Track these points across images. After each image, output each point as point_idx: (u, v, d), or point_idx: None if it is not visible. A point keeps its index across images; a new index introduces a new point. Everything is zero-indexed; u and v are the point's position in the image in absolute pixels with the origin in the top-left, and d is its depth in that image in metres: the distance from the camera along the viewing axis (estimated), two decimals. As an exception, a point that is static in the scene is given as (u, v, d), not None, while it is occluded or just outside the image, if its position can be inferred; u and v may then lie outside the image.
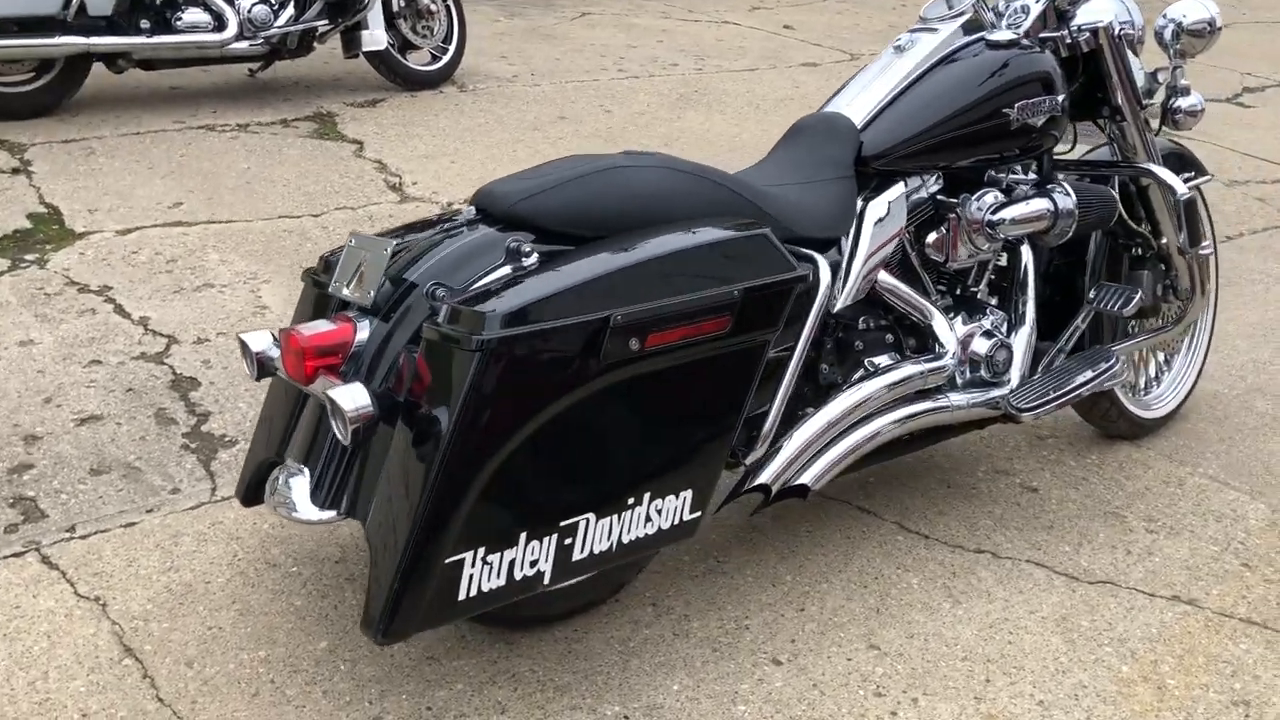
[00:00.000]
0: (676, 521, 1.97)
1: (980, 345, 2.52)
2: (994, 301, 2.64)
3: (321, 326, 1.93)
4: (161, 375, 3.05)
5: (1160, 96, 2.78)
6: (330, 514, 1.92)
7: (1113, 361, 2.64)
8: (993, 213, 2.46)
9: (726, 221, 2.00)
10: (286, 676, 2.08)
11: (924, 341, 2.48)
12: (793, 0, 8.92)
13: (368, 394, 1.81)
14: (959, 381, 2.53)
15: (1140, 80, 2.70)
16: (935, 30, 2.56)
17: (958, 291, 2.62)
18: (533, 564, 1.82)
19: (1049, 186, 2.52)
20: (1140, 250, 2.89)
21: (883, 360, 2.43)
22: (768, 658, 2.20)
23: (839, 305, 2.32)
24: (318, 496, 1.93)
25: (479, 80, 6.04)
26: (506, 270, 1.88)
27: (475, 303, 1.76)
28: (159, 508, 2.53)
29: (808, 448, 2.22)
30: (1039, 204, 2.50)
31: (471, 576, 1.76)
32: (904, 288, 2.44)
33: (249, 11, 5.09)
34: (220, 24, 5.06)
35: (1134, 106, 2.68)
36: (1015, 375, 2.58)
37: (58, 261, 3.65)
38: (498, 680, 2.09)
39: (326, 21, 5.30)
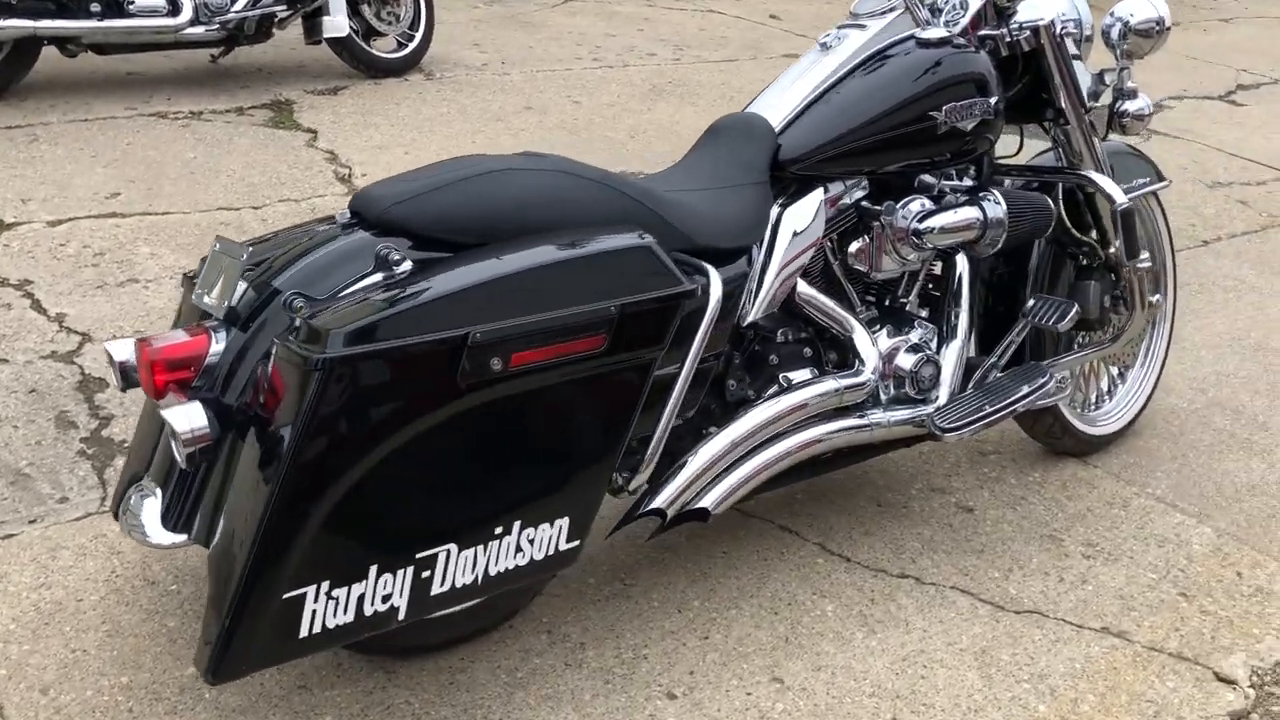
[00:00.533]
0: (551, 551, 1.85)
1: (905, 360, 2.39)
2: (924, 314, 2.51)
3: (175, 337, 1.81)
4: (69, 376, 2.94)
5: (1107, 99, 2.64)
6: (181, 538, 1.80)
7: (1045, 379, 2.51)
8: (919, 221, 2.33)
9: (611, 231, 1.87)
10: (147, 705, 1.96)
11: (845, 356, 2.36)
12: (782, -11, 8.77)
13: (205, 414, 1.69)
14: (883, 398, 2.40)
15: (1086, 82, 2.56)
16: (864, 27, 2.42)
17: (886, 303, 2.49)
18: (385, 599, 1.70)
19: (981, 194, 2.39)
20: (1086, 260, 2.76)
21: (799, 375, 2.31)
22: (662, 691, 2.09)
23: (750, 318, 2.19)
24: (169, 519, 1.81)
25: (447, 68, 5.90)
26: (376, 279, 1.76)
27: (323, 317, 1.63)
28: (43, 518, 2.42)
29: (709, 469, 2.10)
30: (968, 212, 2.36)
31: (314, 612, 1.64)
32: (823, 299, 2.32)
33: (204, -4, 4.96)
34: (175, 8, 4.93)
35: (1078, 109, 2.54)
36: (944, 392, 2.45)
37: (-19, 253, 3.54)
38: (370, 713, 1.98)
39: (285, 7, 5.17)
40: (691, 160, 2.32)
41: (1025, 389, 2.47)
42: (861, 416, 2.33)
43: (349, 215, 1.94)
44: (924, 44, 2.35)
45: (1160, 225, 3.03)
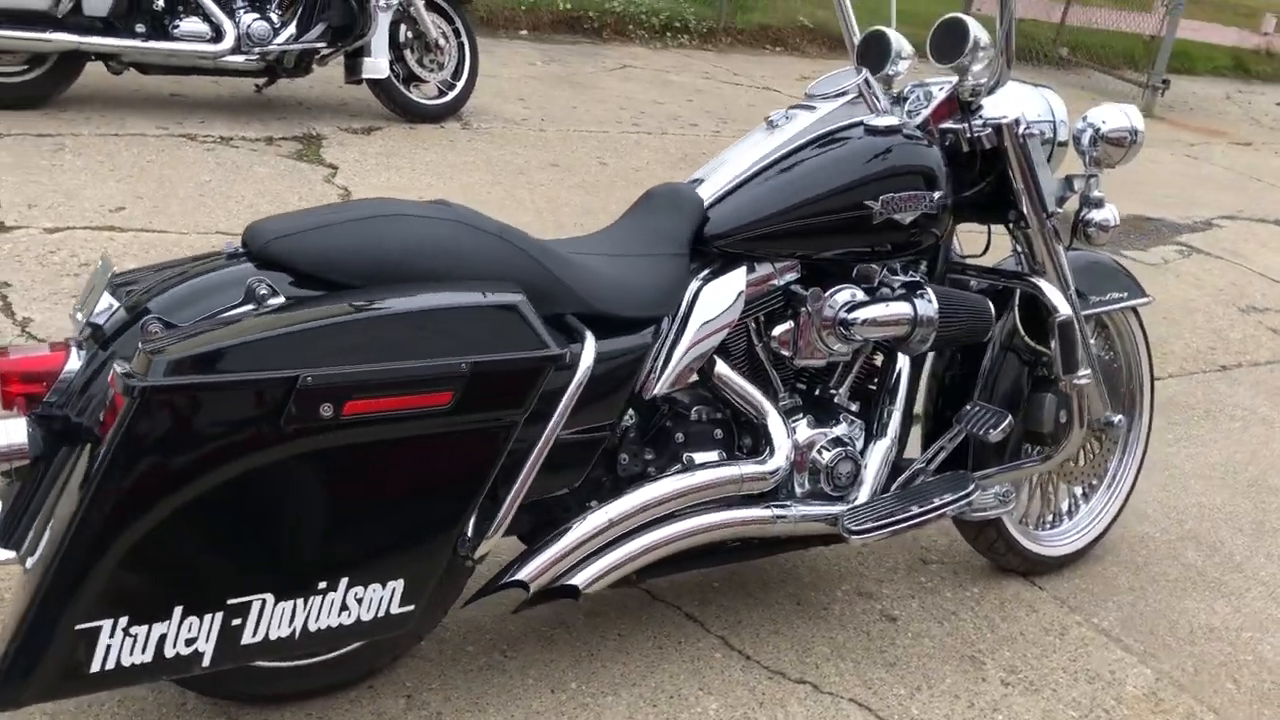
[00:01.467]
0: (382, 614, 1.77)
1: (823, 454, 2.29)
2: (854, 408, 2.41)
3: (32, 350, 1.79)
4: (15, 380, 2.95)
5: (1074, 205, 2.54)
6: (10, 554, 1.76)
7: (968, 490, 2.38)
8: (847, 311, 2.24)
9: (484, 287, 1.81)
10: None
11: (758, 442, 2.26)
12: (847, 73, 8.75)
13: (26, 431, 1.65)
14: (797, 490, 2.30)
15: (1051, 186, 2.46)
16: (814, 109, 2.35)
17: (815, 392, 2.39)
18: (189, 642, 1.64)
19: (916, 290, 2.29)
20: (1046, 371, 2.63)
21: (705, 456, 2.22)
22: (509, 773, 1.99)
23: (655, 391, 2.12)
24: (6, 535, 1.77)
25: (485, 119, 5.95)
26: (240, 311, 1.72)
27: (157, 343, 1.59)
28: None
29: (582, 545, 2.01)
30: (899, 307, 2.27)
31: (109, 647, 1.58)
32: (740, 381, 2.23)
33: (248, 26, 5.07)
34: (218, 35, 5.04)
35: (1039, 214, 2.43)
36: (865, 491, 2.34)
37: (-30, 252, 3.59)
38: (197, 758, 1.91)
39: (327, 44, 5.26)
40: (617, 226, 2.27)
41: (947, 498, 2.35)
42: (768, 508, 2.23)
43: (239, 246, 1.91)
44: (871, 130, 2.27)
45: (1138, 344, 2.90)
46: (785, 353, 2.28)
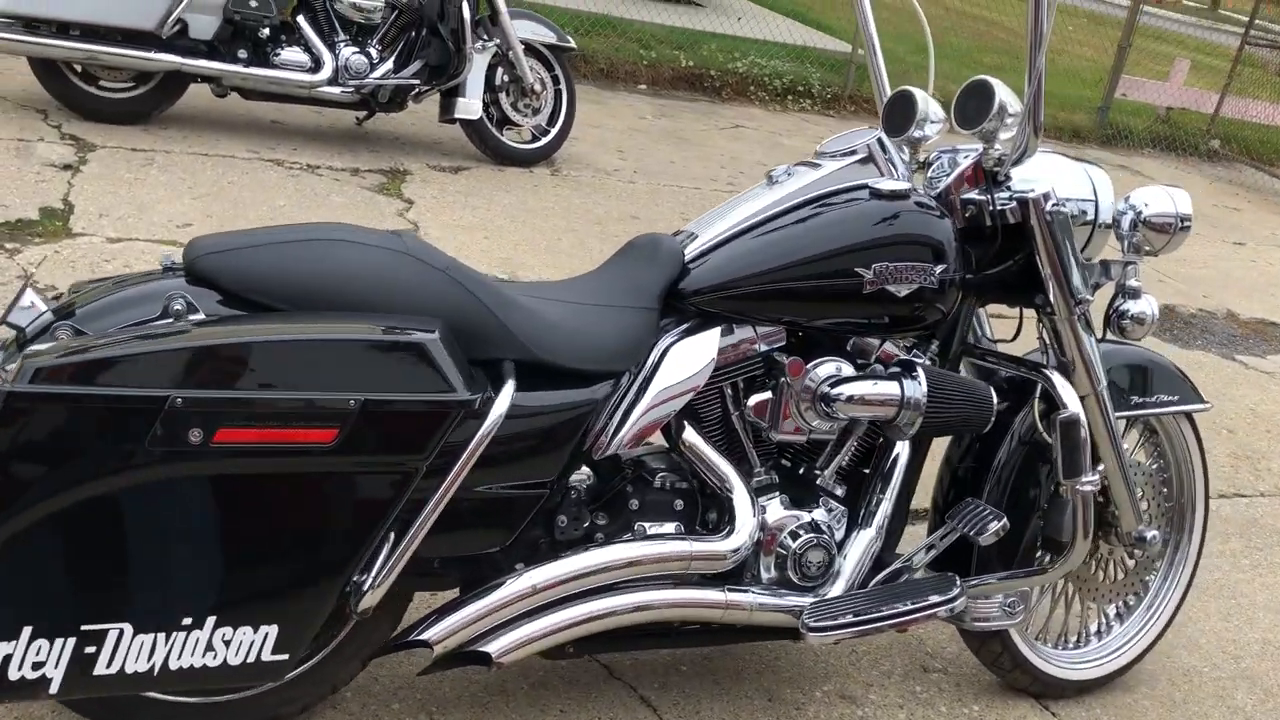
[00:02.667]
0: (252, 660, 1.65)
1: (792, 539, 2.10)
2: (840, 492, 2.21)
3: (-48, 350, 1.75)
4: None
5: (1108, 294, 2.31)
6: None
7: (950, 596, 2.15)
8: (830, 386, 2.06)
9: (400, 322, 1.70)
10: None
11: (722, 519, 2.09)
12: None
13: None
14: (763, 576, 2.12)
15: (1083, 270, 2.23)
16: (819, 166, 2.19)
17: (800, 471, 2.21)
18: (36, 666, 1.55)
19: (909, 370, 2.09)
20: (1068, 473, 2.39)
21: (660, 528, 2.06)
22: None
23: (607, 451, 1.97)
24: None
25: (576, 167, 5.92)
26: (156, 325, 1.66)
27: (40, 350, 1.53)
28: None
29: (498, 610, 1.87)
30: (886, 387, 2.07)
31: (-54, 663, 1.51)
32: (707, 450, 2.07)
33: (347, 59, 5.16)
34: (316, 66, 5.14)
35: (1068, 299, 2.21)
36: (839, 585, 2.14)
37: (29, 256, 3.68)
38: (72, 789, 1.82)
39: (421, 82, 5.31)
40: (593, 274, 2.14)
41: (923, 602, 2.12)
42: (723, 591, 2.05)
43: (176, 260, 1.85)
44: (876, 194, 2.10)
45: (1191, 455, 2.62)
46: (759, 422, 2.11)
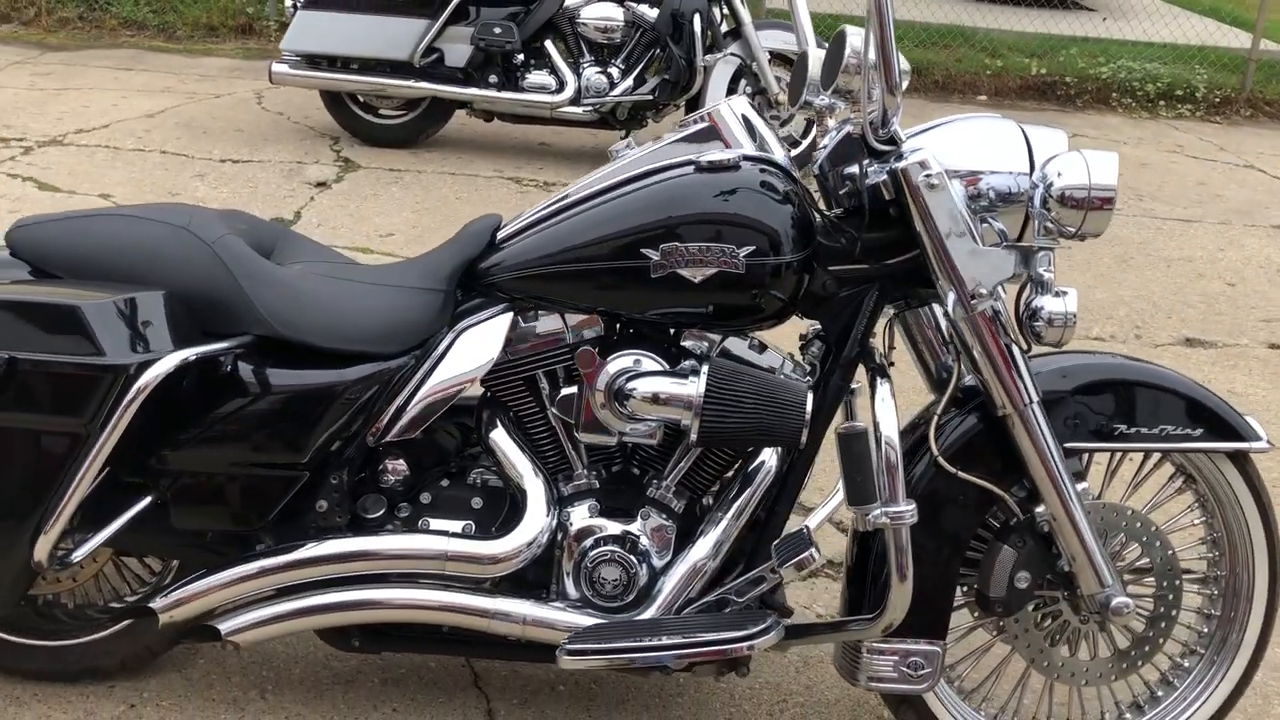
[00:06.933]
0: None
1: (592, 551, 1.89)
2: (678, 504, 1.95)
3: None
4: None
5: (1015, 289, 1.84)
6: None
7: (749, 633, 1.81)
8: (627, 380, 1.83)
9: (114, 289, 1.77)
10: None
11: (515, 521, 1.92)
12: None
13: None
14: (569, 591, 1.92)
15: (981, 258, 1.79)
16: (660, 140, 1.96)
17: (637, 475, 1.98)
18: None
19: (706, 365, 1.81)
20: (1003, 518, 1.93)
21: (446, 524, 1.94)
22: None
23: (377, 439, 1.90)
24: None
25: (832, 180, 5.65)
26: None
27: None
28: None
29: (226, 588, 1.87)
30: (681, 387, 1.80)
31: None
32: (507, 445, 1.93)
33: (588, 79, 5.32)
34: (560, 87, 5.35)
35: (961, 294, 1.79)
36: (654, 606, 1.89)
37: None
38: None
39: (658, 96, 5.35)
40: (420, 256, 2.07)
41: (707, 637, 1.81)
42: (493, 599, 1.89)
43: None
44: (701, 168, 1.84)
45: (1242, 509, 2.01)
46: (564, 418, 1.92)
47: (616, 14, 5.35)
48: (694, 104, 5.39)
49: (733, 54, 5.35)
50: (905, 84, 1.86)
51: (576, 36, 5.42)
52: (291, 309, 1.86)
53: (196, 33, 7.72)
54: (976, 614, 1.99)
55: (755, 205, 1.81)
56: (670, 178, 1.85)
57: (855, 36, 1.82)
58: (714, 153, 1.84)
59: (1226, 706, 2.06)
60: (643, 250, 1.80)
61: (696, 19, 5.20)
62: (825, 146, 1.97)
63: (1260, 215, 5.63)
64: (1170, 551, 2.00)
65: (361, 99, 5.53)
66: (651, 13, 5.29)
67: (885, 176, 1.81)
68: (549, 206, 1.93)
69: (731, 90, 5.43)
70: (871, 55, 1.78)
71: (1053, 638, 2.00)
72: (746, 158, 1.85)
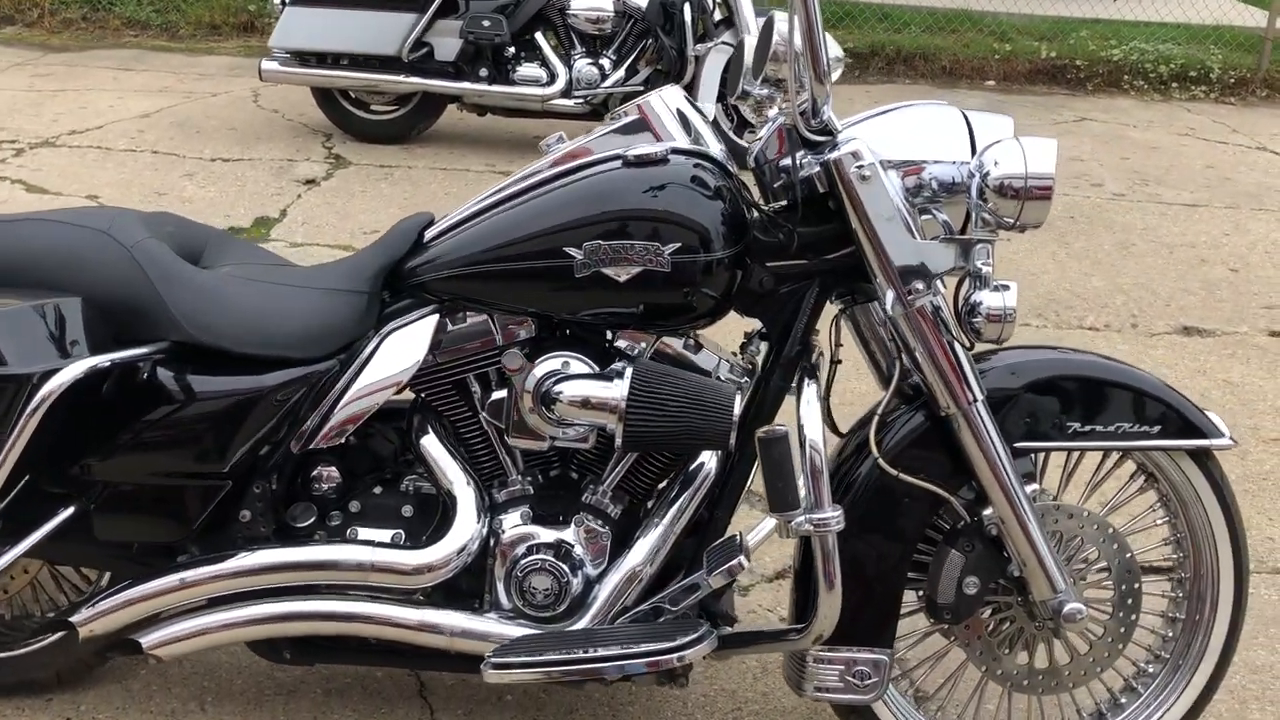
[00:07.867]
0: None
1: (520, 559, 1.84)
2: (615, 510, 1.89)
3: None
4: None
5: (954, 283, 1.76)
6: None
7: (679, 644, 1.74)
8: (555, 383, 1.77)
9: (29, 295, 1.74)
10: None
11: (443, 529, 1.87)
12: None
13: None
14: (502, 602, 1.86)
15: (918, 251, 1.72)
16: (590, 133, 1.90)
17: (577, 480, 1.92)
18: None
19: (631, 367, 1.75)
20: (951, 521, 1.86)
21: (373, 533, 1.89)
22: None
23: (301, 446, 1.86)
24: None
25: (829, 169, 5.56)
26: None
27: None
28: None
29: (144, 600, 1.83)
30: (607, 390, 1.74)
31: None
32: (437, 451, 1.88)
33: (579, 71, 5.26)
34: (551, 79, 5.29)
35: (897, 287, 1.73)
36: (588, 618, 1.83)
37: (214, 258, 4.13)
38: None
39: (648, 88, 5.27)
40: (353, 254, 2.02)
41: (633, 649, 1.74)
42: (420, 610, 1.84)
43: None
44: (626, 162, 1.78)
45: (1204, 507, 1.93)
46: (495, 423, 1.87)
47: (607, 4, 5.28)
48: (687, 94, 5.31)
49: (724, 43, 5.26)
50: (838, 72, 1.80)
51: (567, 28, 5.35)
52: (208, 313, 1.82)
53: (199, 31, 7.71)
54: (930, 620, 1.92)
55: (683, 201, 1.74)
56: (596, 173, 1.79)
57: (783, 22, 1.75)
58: (642, 146, 1.78)
59: (1194, 711, 1.98)
60: (566, 249, 1.74)
61: (687, 8, 5.14)
62: (760, 138, 1.90)
63: (1269, 199, 5.49)
64: (1129, 555, 1.92)
65: (353, 95, 5.49)
66: (642, 2, 5.22)
67: (819, 169, 1.74)
68: (478, 204, 1.88)
69: (724, 81, 5.35)
70: (798, 42, 1.71)
71: (1009, 643, 1.92)
72: (676, 151, 1.79)
